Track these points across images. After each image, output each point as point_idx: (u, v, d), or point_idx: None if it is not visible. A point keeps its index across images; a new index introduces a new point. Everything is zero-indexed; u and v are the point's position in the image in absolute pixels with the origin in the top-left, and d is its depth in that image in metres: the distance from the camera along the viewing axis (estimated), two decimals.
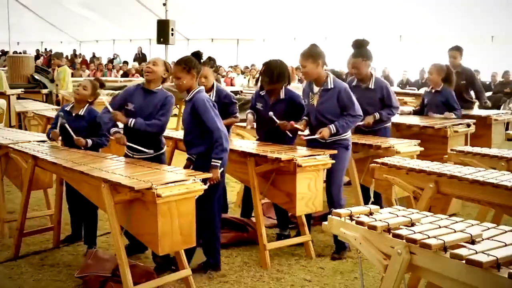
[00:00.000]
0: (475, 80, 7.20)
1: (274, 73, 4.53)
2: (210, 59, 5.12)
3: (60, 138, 4.69)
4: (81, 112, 4.59)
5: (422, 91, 9.57)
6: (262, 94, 4.77)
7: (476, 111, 6.97)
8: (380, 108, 5.10)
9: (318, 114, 4.40)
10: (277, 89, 4.63)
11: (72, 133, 4.49)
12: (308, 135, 4.49)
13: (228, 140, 3.95)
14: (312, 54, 4.31)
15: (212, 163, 3.78)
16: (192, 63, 3.92)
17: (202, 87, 4.03)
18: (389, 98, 5.08)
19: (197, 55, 4.05)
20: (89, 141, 4.51)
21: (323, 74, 4.36)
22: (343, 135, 4.40)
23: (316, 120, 4.43)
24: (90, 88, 4.61)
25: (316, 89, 4.41)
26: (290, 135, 4.65)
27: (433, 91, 6.20)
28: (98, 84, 4.76)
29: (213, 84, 4.96)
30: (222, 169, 3.88)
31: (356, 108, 4.35)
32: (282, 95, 4.64)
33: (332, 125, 4.31)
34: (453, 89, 6.15)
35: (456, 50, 6.95)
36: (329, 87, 4.33)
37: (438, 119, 5.94)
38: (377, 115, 5.06)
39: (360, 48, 5.03)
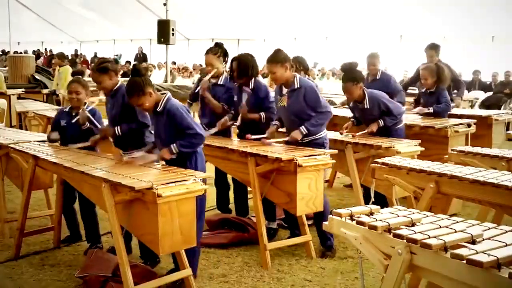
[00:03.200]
0: (454, 75, 7.14)
1: (241, 67, 4.85)
2: (217, 45, 5.24)
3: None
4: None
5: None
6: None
7: (476, 111, 6.96)
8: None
9: (291, 114, 4.51)
10: (247, 82, 4.90)
11: (98, 125, 4.49)
12: (256, 136, 4.70)
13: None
14: (280, 59, 4.42)
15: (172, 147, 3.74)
16: (140, 84, 3.74)
17: (169, 94, 3.91)
18: (387, 109, 5.08)
19: (135, 70, 3.87)
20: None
21: (290, 76, 4.47)
22: (316, 134, 4.50)
23: (289, 121, 4.56)
24: (82, 90, 4.57)
25: (284, 90, 4.54)
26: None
27: (428, 91, 6.24)
28: (82, 78, 4.75)
29: (222, 72, 5.18)
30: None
31: (323, 105, 4.44)
32: (251, 86, 4.91)
33: (302, 126, 4.42)
34: (447, 85, 6.20)
35: (430, 48, 6.97)
36: (296, 87, 4.44)
37: (438, 119, 5.94)
38: (380, 122, 5.08)
39: (349, 72, 5.05)
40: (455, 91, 7.40)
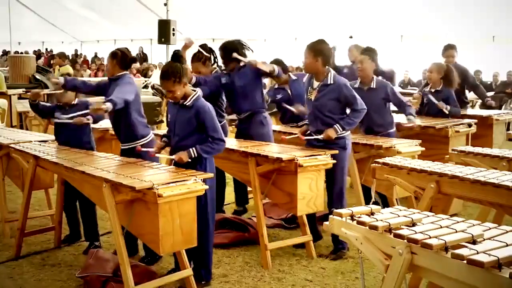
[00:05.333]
0: (468, 76, 7.04)
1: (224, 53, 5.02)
2: (200, 49, 5.32)
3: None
4: (74, 103, 4.63)
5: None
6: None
7: (477, 111, 6.95)
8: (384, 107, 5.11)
9: (316, 109, 4.42)
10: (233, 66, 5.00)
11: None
12: (307, 134, 4.53)
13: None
14: (314, 49, 4.35)
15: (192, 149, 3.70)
16: (179, 71, 3.70)
17: (200, 92, 3.91)
18: (393, 97, 5.12)
19: (177, 56, 3.94)
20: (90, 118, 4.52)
21: (322, 70, 4.37)
22: (340, 134, 4.36)
23: (313, 115, 4.46)
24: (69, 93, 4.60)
25: (316, 84, 4.43)
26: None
27: (432, 90, 6.18)
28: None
29: (211, 71, 5.27)
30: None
31: (359, 102, 4.34)
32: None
33: (337, 124, 4.30)
34: (453, 89, 6.13)
35: (451, 48, 6.94)
36: (329, 82, 4.34)
37: (439, 119, 5.93)
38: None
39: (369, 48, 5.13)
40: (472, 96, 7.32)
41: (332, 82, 4.32)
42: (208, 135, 3.72)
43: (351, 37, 14.52)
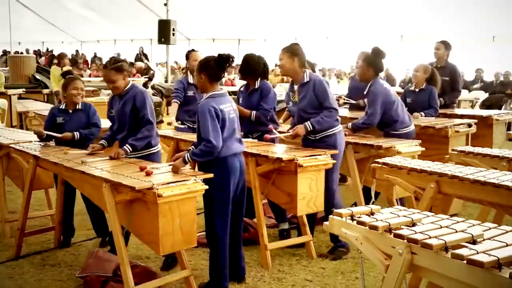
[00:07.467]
0: (457, 79, 6.87)
1: (244, 66, 4.91)
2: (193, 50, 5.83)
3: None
4: (79, 106, 4.66)
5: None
6: (241, 89, 5.13)
7: (477, 111, 6.93)
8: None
9: (301, 110, 4.43)
10: (252, 81, 4.92)
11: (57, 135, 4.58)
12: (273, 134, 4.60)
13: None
14: (290, 50, 4.38)
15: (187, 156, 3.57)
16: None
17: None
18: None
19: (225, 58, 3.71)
20: (77, 134, 4.56)
21: (300, 71, 4.39)
22: (328, 131, 4.37)
23: (299, 117, 4.47)
24: (84, 86, 4.74)
25: (295, 87, 4.49)
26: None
27: (417, 90, 6.18)
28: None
29: None
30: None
31: (330, 101, 4.33)
32: (256, 86, 4.89)
33: (308, 122, 4.33)
34: (438, 89, 6.14)
35: (441, 42, 6.92)
36: (305, 80, 4.37)
37: (439, 119, 5.93)
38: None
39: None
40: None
41: (308, 80, 4.36)
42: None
43: None
